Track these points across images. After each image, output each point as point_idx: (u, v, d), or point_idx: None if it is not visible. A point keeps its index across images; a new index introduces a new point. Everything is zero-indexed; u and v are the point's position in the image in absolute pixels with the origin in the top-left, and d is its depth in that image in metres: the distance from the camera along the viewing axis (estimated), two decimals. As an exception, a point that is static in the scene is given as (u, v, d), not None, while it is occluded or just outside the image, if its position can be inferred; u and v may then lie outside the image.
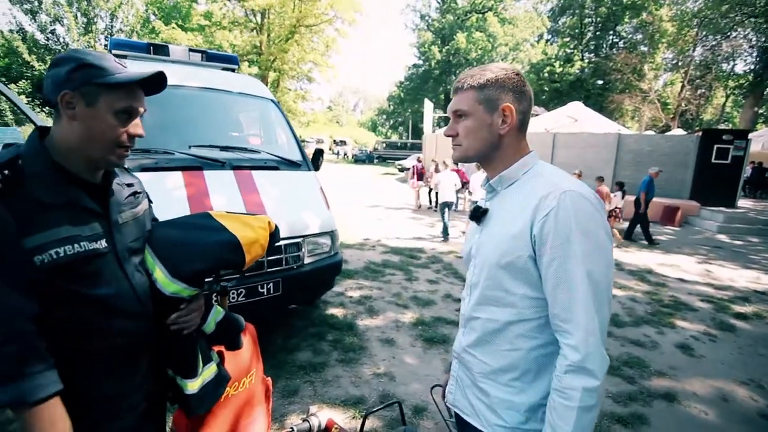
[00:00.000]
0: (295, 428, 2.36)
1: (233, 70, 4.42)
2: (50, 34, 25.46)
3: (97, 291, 0.96)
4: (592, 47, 37.23)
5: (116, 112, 0.95)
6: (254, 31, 27.68)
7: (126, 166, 1.17)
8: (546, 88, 34.64)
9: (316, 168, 3.85)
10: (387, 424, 2.58)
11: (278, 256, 3.03)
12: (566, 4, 36.40)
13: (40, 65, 23.66)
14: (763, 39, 23.31)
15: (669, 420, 2.81)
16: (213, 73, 4.00)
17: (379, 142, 41.90)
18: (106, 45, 26.03)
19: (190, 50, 4.10)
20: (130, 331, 1.03)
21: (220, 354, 1.45)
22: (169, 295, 1.11)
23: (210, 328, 1.33)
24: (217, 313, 1.37)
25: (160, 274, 1.10)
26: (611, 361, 3.43)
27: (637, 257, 7.49)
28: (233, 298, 2.77)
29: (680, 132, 20.02)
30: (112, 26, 27.07)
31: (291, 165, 3.61)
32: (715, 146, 11.71)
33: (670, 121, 27.77)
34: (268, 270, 2.99)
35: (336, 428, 2.38)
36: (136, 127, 0.99)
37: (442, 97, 40.83)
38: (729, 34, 24.20)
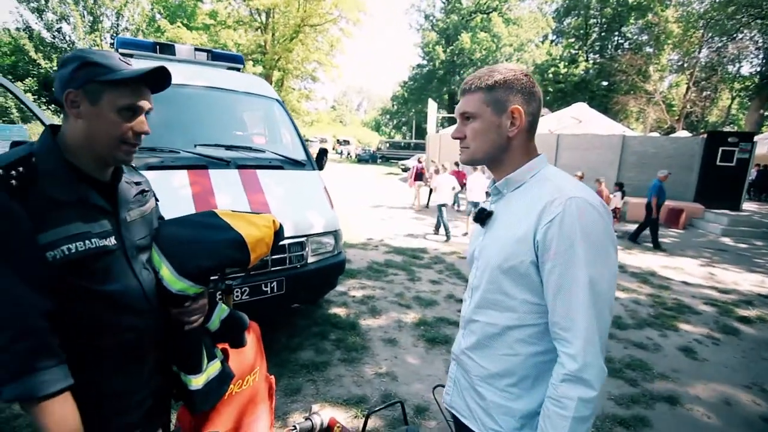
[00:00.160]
0: (297, 427, 2.37)
1: (238, 70, 4.43)
2: (56, 33, 25.62)
3: (106, 287, 0.97)
4: (597, 48, 37.10)
5: (120, 109, 0.95)
6: (259, 30, 27.76)
7: (133, 165, 1.18)
8: (550, 89, 34.54)
9: (320, 167, 3.86)
10: (389, 423, 2.59)
11: (282, 255, 3.05)
12: (571, 5, 36.28)
13: (47, 63, 23.81)
14: (770, 41, 23.20)
15: (671, 423, 2.80)
16: (218, 73, 4.02)
17: (383, 141, 41.93)
18: (112, 44, 26.14)
19: (196, 49, 4.12)
20: (137, 327, 1.05)
21: (225, 351, 1.46)
22: (175, 293, 1.12)
23: (214, 325, 1.34)
24: (222, 310, 1.38)
25: (166, 272, 1.11)
26: (614, 363, 3.46)
27: (640, 259, 7.46)
28: (237, 296, 2.79)
29: (685, 134, 19.93)
30: (117, 25, 27.21)
31: (295, 164, 3.62)
32: (720, 149, 11.66)
33: (675, 122, 27.65)
34: (272, 269, 3.00)
35: (338, 427, 2.39)
36: (141, 124, 0.99)
37: (446, 97, 40.81)
38: (735, 35, 24.06)
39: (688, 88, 27.55)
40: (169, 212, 1.36)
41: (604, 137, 13.94)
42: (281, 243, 2.42)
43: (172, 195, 2.67)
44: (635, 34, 33.73)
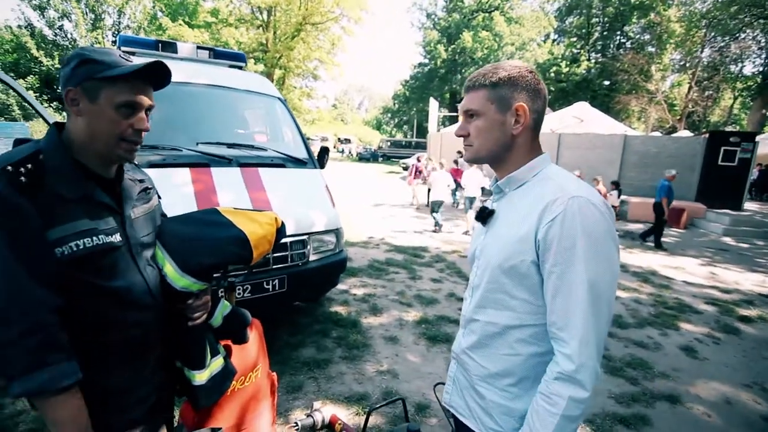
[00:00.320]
0: (299, 423, 2.39)
1: (241, 68, 4.44)
2: (58, 30, 25.64)
3: (112, 283, 0.98)
4: (599, 47, 37.02)
5: (117, 106, 0.94)
6: (260, 28, 27.76)
7: (135, 162, 1.19)
8: (552, 89, 34.46)
9: (322, 166, 3.86)
10: (390, 420, 2.60)
11: (284, 253, 3.05)
12: (573, 4, 36.21)
13: (48, 61, 23.83)
14: (773, 40, 23.13)
15: (671, 422, 2.81)
16: (220, 71, 4.03)
17: (384, 140, 41.89)
18: (114, 41, 26.19)
19: (198, 47, 4.13)
20: (142, 323, 1.05)
21: (227, 348, 1.47)
22: (179, 290, 1.13)
23: (217, 321, 1.35)
24: (225, 307, 1.39)
25: (170, 269, 1.12)
26: (614, 362, 3.47)
27: (641, 258, 7.46)
28: (239, 294, 2.80)
29: (687, 134, 19.91)
30: (119, 22, 27.22)
31: (297, 163, 3.63)
32: (722, 148, 11.64)
33: (677, 122, 27.60)
34: (274, 267, 3.01)
35: (339, 424, 2.40)
36: (140, 121, 0.98)
37: (448, 96, 40.77)
38: (738, 35, 24.01)
39: (690, 88, 27.50)
40: (171, 210, 1.37)
41: (606, 137, 13.93)
42: (283, 241, 2.43)
43: (175, 193, 2.68)
44: (637, 33, 33.64)
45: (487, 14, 38.70)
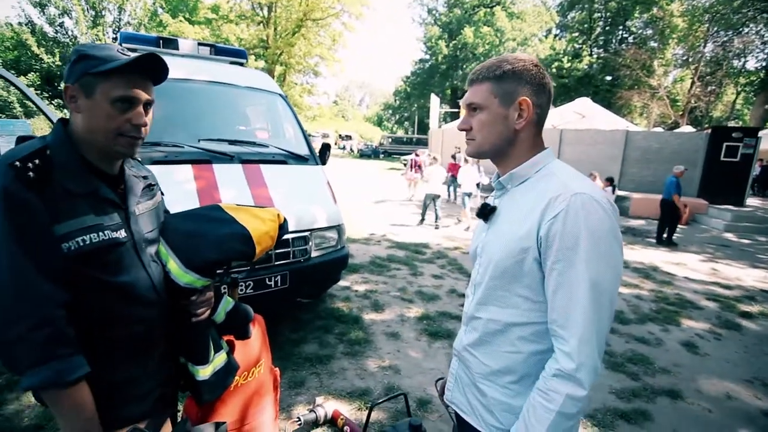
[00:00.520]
0: (301, 418, 2.41)
1: (242, 64, 4.43)
2: (59, 27, 25.62)
3: (117, 279, 0.99)
4: (601, 42, 36.83)
5: (113, 100, 0.94)
6: (261, 24, 27.68)
7: (139, 159, 1.19)
8: (553, 84, 34.17)
9: (323, 162, 3.87)
10: (392, 416, 2.62)
11: (286, 250, 3.06)
12: (575, -1, 36.02)
13: (49, 58, 23.82)
14: (776, 35, 22.99)
15: (672, 417, 2.82)
16: (222, 67, 4.03)
17: (385, 137, 41.85)
18: (115, 38, 26.17)
19: (199, 44, 4.12)
20: (147, 318, 1.06)
21: (230, 343, 1.48)
22: (183, 286, 1.14)
23: (220, 317, 1.36)
24: (227, 303, 1.40)
25: (173, 265, 1.13)
26: (615, 357, 3.47)
27: (642, 254, 7.46)
28: (242, 290, 2.81)
29: (689, 129, 19.81)
30: (120, 19, 27.18)
31: (298, 159, 3.63)
32: (725, 144, 11.61)
33: (679, 118, 27.48)
34: (276, 263, 3.02)
35: (342, 419, 2.42)
36: (137, 116, 0.97)
37: (449, 92, 40.63)
38: (741, 30, 23.85)
39: (692, 83, 27.36)
40: (173, 206, 1.37)
41: (608, 132, 13.90)
42: (285, 237, 2.44)
43: (177, 189, 2.69)
44: (640, 28, 33.42)
45: (488, 9, 38.50)
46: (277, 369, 1.89)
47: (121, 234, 1.00)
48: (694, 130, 19.05)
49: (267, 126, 4.39)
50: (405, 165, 24.44)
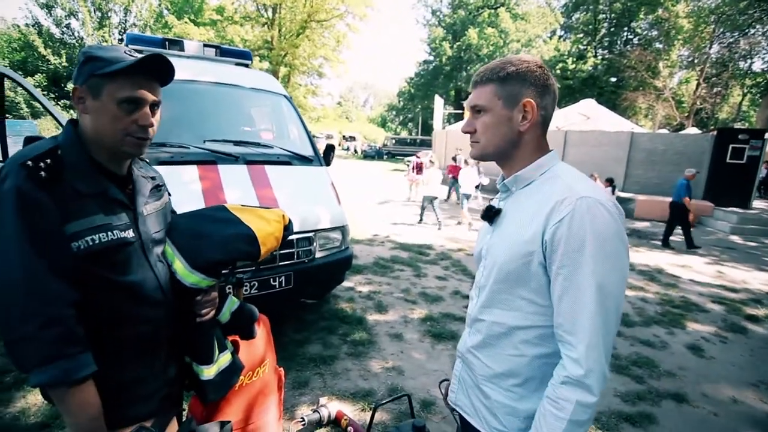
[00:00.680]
0: (305, 418, 2.41)
1: (247, 66, 4.46)
2: (65, 28, 25.87)
3: (125, 278, 1.00)
4: (605, 44, 36.68)
5: (119, 101, 0.95)
6: (265, 26, 27.77)
7: (146, 160, 1.20)
8: (558, 85, 33.99)
9: (328, 163, 3.88)
10: (395, 417, 2.62)
11: (290, 250, 3.07)
12: (580, 0, 35.88)
13: (56, 59, 24.03)
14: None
15: (678, 420, 2.80)
16: (227, 69, 4.05)
17: (389, 138, 41.83)
18: (121, 39, 26.35)
19: (205, 45, 4.15)
20: (153, 318, 1.07)
21: (235, 343, 1.49)
22: (188, 286, 1.15)
23: (225, 317, 1.37)
24: (232, 303, 1.41)
25: (179, 266, 1.14)
26: (620, 360, 3.46)
27: (647, 257, 7.42)
28: (246, 290, 2.82)
29: (695, 131, 19.71)
30: (125, 20, 27.39)
31: (303, 160, 3.64)
32: (731, 146, 11.51)
33: (685, 119, 27.33)
34: (281, 263, 3.03)
35: (345, 420, 2.42)
36: (144, 116, 0.98)
37: (453, 93, 40.62)
38: (747, 31, 23.70)
39: (698, 85, 27.19)
40: (179, 207, 1.38)
41: (612, 134, 13.84)
42: (289, 238, 2.45)
43: (182, 190, 2.70)
44: (645, 29, 33.27)
45: (492, 11, 38.47)
46: (281, 369, 1.89)
47: (129, 234, 1.01)
48: (700, 131, 18.97)
49: (272, 127, 4.41)
50: (408, 165, 24.57)
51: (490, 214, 1.09)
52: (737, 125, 30.34)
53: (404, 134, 53.14)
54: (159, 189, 1.19)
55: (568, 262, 0.88)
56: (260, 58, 27.30)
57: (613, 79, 34.29)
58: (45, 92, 21.69)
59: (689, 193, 7.90)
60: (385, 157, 36.05)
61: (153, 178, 1.18)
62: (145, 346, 1.08)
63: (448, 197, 13.14)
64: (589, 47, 36.27)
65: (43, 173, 0.88)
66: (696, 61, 27.87)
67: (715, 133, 12.44)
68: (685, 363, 3.59)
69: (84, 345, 0.92)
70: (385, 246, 7.02)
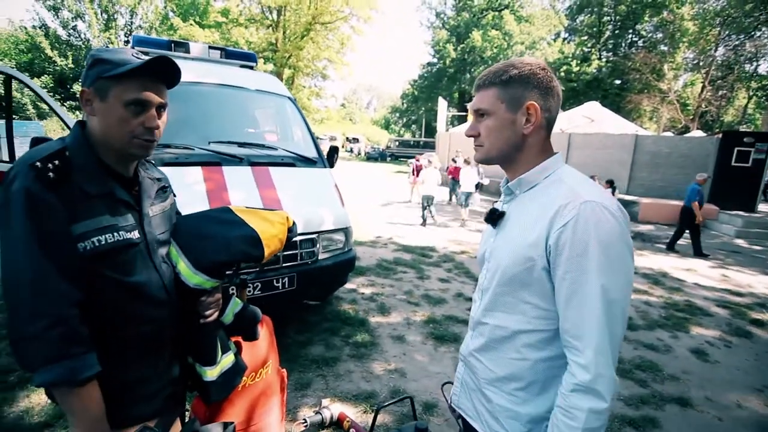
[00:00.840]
0: (308, 420, 2.41)
1: (251, 68, 4.48)
2: (72, 30, 26.06)
3: (130, 279, 1.01)
4: (610, 46, 36.61)
5: (126, 103, 0.95)
6: (270, 28, 27.89)
7: (152, 161, 1.21)
8: (562, 88, 33.80)
9: (331, 165, 3.89)
10: (398, 419, 2.61)
11: (293, 252, 3.08)
12: (584, 2, 35.82)
13: (62, 61, 24.21)
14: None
15: (681, 424, 2.79)
16: (232, 70, 4.07)
17: (392, 140, 41.89)
18: (126, 41, 26.53)
19: (210, 47, 4.17)
20: (157, 318, 1.08)
21: (238, 344, 1.49)
22: (192, 287, 1.15)
23: (228, 319, 1.38)
24: (236, 304, 1.42)
25: (183, 266, 1.15)
26: (624, 364, 3.44)
27: (652, 260, 7.39)
28: (249, 291, 2.83)
29: (700, 134, 19.63)
30: (131, 23, 27.57)
31: (307, 162, 3.65)
32: (736, 149, 11.46)
33: (690, 122, 27.21)
34: (284, 265, 3.04)
35: (347, 421, 2.42)
36: (150, 118, 0.99)
37: (456, 95, 40.63)
38: (753, 33, 23.61)
39: (703, 87, 27.07)
40: (184, 208, 1.39)
41: (617, 136, 13.79)
42: (293, 239, 2.45)
43: (187, 191, 2.71)
44: (650, 31, 33.18)
45: (496, 13, 38.46)
46: (284, 370, 1.89)
47: (135, 235, 1.02)
48: (705, 134, 18.86)
49: (276, 129, 4.42)
50: (410, 167, 24.60)
51: (494, 217, 1.08)
52: (743, 128, 30.21)
53: (407, 136, 53.17)
54: (164, 190, 1.20)
55: (573, 267, 0.87)
56: (265, 60, 27.40)
57: (618, 82, 34.20)
58: (51, 93, 21.81)
59: (700, 197, 7.78)
60: (389, 159, 36.08)
61: (159, 180, 1.19)
62: (149, 345, 1.08)
63: (450, 199, 13.14)
64: (593, 50, 36.20)
65: (51, 174, 0.89)
66: (701, 63, 27.75)
67: (720, 136, 12.38)
68: (689, 367, 3.57)
69: (88, 345, 0.93)
70: (388, 248, 7.02)
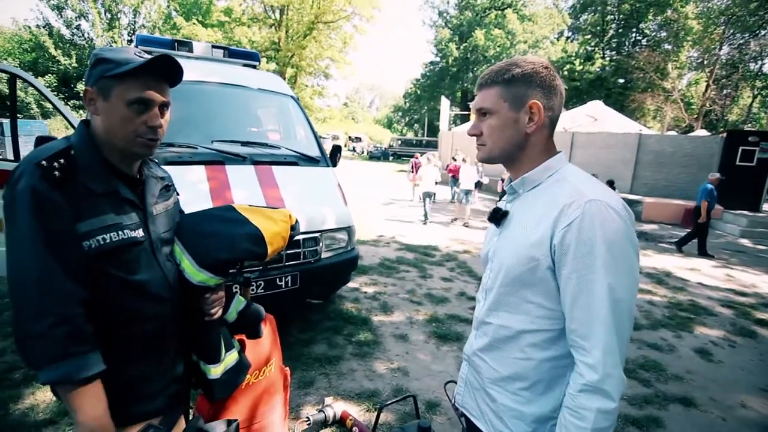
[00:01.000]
0: (311, 418, 2.42)
1: (254, 67, 4.48)
2: (75, 30, 26.15)
3: (134, 277, 1.01)
4: (613, 45, 36.44)
5: (129, 102, 0.96)
6: (273, 27, 27.90)
7: (155, 160, 1.22)
8: (565, 87, 33.76)
9: (334, 164, 3.89)
10: (400, 417, 2.62)
11: (296, 251, 3.08)
12: (588, 1, 35.65)
13: (66, 60, 24.30)
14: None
15: (685, 424, 2.78)
16: (235, 69, 4.08)
17: (395, 139, 41.84)
18: (130, 40, 26.61)
19: (213, 46, 4.18)
20: (161, 316, 1.08)
21: (242, 342, 1.50)
22: (196, 285, 1.16)
23: (232, 317, 1.38)
24: (239, 302, 1.42)
25: (187, 264, 1.15)
26: (627, 363, 3.43)
27: (656, 260, 7.36)
28: (252, 290, 2.84)
29: (704, 133, 19.51)
30: (135, 22, 27.64)
31: (310, 161, 3.66)
32: (741, 148, 11.40)
33: (694, 121, 27.06)
34: (287, 263, 3.04)
35: (350, 420, 2.42)
36: (153, 118, 0.99)
37: (459, 94, 40.55)
38: (757, 32, 23.46)
39: (707, 86, 26.91)
40: (187, 206, 1.39)
41: (620, 135, 13.75)
42: (296, 238, 2.46)
43: (190, 189, 2.72)
44: (653, 30, 33.01)
45: (499, 12, 38.36)
46: (287, 368, 1.90)
47: (139, 233, 1.02)
48: (709, 133, 18.76)
49: (279, 128, 4.43)
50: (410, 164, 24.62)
51: (497, 216, 1.07)
52: (747, 127, 29.99)
53: (410, 135, 53.11)
54: (168, 189, 1.21)
55: (579, 267, 0.87)
56: (267, 60, 27.43)
57: (621, 81, 34.04)
58: (55, 93, 21.92)
59: (711, 198, 7.66)
60: (391, 158, 36.08)
61: (162, 178, 1.19)
62: (153, 343, 1.09)
63: (453, 198, 13.13)
64: (596, 48, 36.06)
65: (57, 173, 0.90)
66: (705, 62, 27.59)
67: (724, 135, 12.32)
68: (693, 367, 3.56)
69: (93, 343, 0.93)
70: (390, 247, 7.02)
